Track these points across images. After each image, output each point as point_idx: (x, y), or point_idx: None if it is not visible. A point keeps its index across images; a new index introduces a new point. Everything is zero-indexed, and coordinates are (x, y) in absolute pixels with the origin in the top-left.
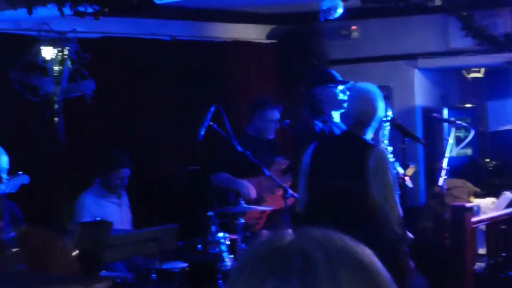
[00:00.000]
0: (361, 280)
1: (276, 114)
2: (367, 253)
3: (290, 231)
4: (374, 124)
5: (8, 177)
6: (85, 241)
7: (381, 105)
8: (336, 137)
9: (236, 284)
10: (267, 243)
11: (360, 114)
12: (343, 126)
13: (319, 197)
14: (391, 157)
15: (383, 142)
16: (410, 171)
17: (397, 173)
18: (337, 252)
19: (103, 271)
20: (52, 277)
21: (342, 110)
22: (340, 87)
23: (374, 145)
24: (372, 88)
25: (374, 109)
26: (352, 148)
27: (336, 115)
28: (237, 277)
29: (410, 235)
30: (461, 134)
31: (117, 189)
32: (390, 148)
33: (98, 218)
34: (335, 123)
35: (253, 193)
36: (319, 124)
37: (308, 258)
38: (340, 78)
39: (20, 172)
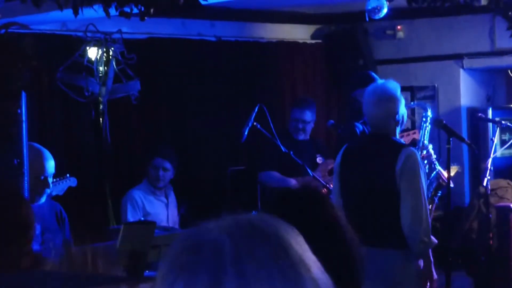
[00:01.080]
0: (267, 265)
1: (302, 114)
2: (280, 235)
3: (209, 223)
4: (395, 123)
5: (55, 180)
6: (129, 241)
7: (395, 102)
8: (365, 138)
9: (157, 280)
10: (185, 237)
11: (375, 119)
12: None
13: (350, 200)
14: (432, 154)
15: (423, 142)
16: (453, 171)
17: (438, 172)
18: (244, 239)
19: (148, 271)
20: (97, 278)
21: None
22: None
23: (402, 146)
24: (383, 87)
25: (387, 110)
26: (379, 149)
27: None
28: (158, 272)
29: (434, 239)
30: (506, 137)
31: (157, 183)
32: (430, 146)
33: (142, 218)
34: None
35: None
36: (359, 126)
37: (217, 250)
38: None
39: (67, 175)
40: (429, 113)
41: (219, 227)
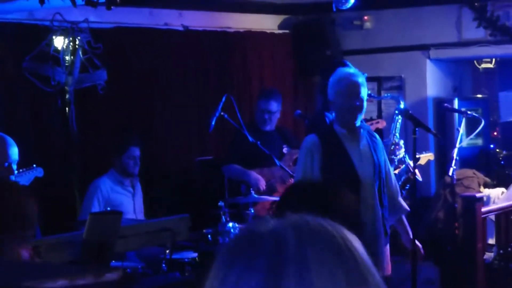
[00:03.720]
0: (332, 262)
1: (267, 104)
2: (345, 237)
3: (269, 218)
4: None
5: (21, 170)
6: (96, 231)
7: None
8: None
9: (214, 269)
10: (244, 230)
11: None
12: None
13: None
14: (402, 152)
15: (395, 135)
16: (425, 159)
17: (408, 165)
18: (309, 234)
19: (114, 261)
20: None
21: None
22: None
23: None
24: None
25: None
26: None
27: None
28: (215, 263)
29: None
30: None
31: (131, 170)
32: (402, 141)
33: (108, 208)
34: None
35: (262, 184)
36: (329, 116)
37: (279, 240)
38: None
39: (34, 165)
40: (402, 105)
41: (284, 221)
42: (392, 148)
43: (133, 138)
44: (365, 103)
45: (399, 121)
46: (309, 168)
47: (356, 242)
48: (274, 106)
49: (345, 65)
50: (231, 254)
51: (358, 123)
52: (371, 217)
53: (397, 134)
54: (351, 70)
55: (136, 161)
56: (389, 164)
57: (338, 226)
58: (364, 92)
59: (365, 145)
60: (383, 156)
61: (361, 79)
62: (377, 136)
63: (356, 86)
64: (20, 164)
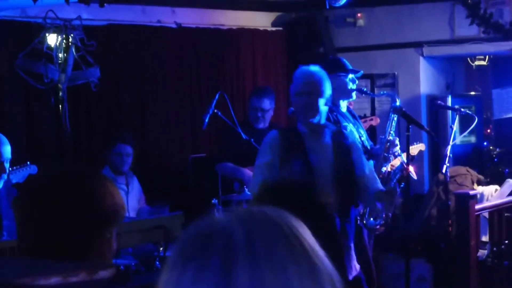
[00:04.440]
0: (280, 253)
1: (260, 102)
2: (291, 224)
3: (217, 213)
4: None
5: (15, 168)
6: None
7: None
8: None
9: (164, 271)
10: (197, 225)
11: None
12: (349, 115)
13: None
14: (398, 149)
15: (390, 133)
16: (416, 149)
17: (403, 163)
18: (256, 227)
19: None
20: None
21: (351, 99)
22: (350, 76)
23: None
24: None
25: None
26: None
27: (343, 104)
28: (168, 259)
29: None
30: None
31: (119, 167)
32: (397, 140)
33: None
34: (341, 113)
35: None
36: None
37: (228, 238)
38: (350, 67)
39: (27, 163)
40: (398, 103)
41: (231, 217)
42: (387, 145)
43: (123, 135)
44: (321, 101)
45: (395, 119)
46: (268, 162)
47: (302, 228)
48: (267, 103)
49: (340, 61)
50: (183, 257)
51: (316, 120)
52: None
53: (393, 132)
54: (312, 68)
55: (123, 159)
56: (363, 160)
57: (284, 214)
58: (319, 90)
59: (327, 142)
60: (354, 154)
61: (317, 77)
62: (349, 136)
63: (307, 85)
64: (13, 162)
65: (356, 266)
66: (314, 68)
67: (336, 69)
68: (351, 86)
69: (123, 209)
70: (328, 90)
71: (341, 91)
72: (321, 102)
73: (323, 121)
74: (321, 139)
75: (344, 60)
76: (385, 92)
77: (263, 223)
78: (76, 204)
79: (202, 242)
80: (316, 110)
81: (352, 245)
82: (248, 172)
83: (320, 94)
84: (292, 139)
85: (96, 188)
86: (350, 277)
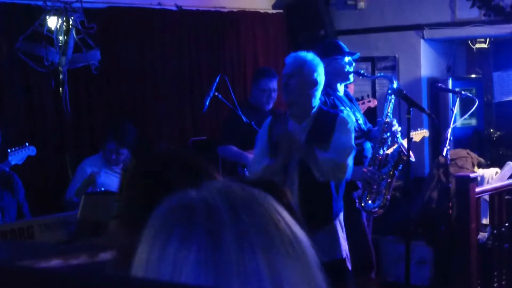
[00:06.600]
0: (262, 220)
1: (269, 84)
2: (267, 200)
3: (193, 187)
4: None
5: (14, 149)
6: (90, 211)
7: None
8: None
9: (145, 242)
10: (172, 200)
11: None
12: (346, 99)
13: None
14: (396, 126)
15: (387, 115)
16: (419, 136)
17: (400, 146)
18: (236, 198)
19: None
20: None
21: (348, 82)
22: (347, 59)
23: None
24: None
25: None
26: None
27: (341, 88)
28: (145, 234)
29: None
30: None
31: (109, 162)
32: (395, 120)
33: (102, 189)
34: (338, 96)
35: None
36: (321, 98)
37: (210, 207)
38: (347, 50)
39: (26, 144)
40: (395, 85)
41: (208, 189)
42: (385, 127)
43: (117, 132)
44: (301, 84)
45: (392, 100)
46: (261, 143)
47: (276, 204)
48: (276, 85)
49: (336, 44)
50: (164, 228)
51: (292, 111)
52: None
53: (390, 114)
54: (300, 53)
55: (113, 156)
56: (345, 145)
57: (257, 190)
58: (300, 73)
59: (305, 129)
60: (329, 143)
61: (299, 61)
62: (335, 124)
63: (287, 67)
64: (13, 144)
65: (343, 247)
66: (302, 53)
67: (332, 52)
68: (348, 68)
69: None
70: (315, 74)
71: (338, 74)
72: (299, 83)
73: (315, 102)
74: (302, 123)
75: (341, 42)
76: (382, 74)
77: (244, 197)
78: (179, 185)
79: (184, 211)
80: (291, 92)
81: (336, 224)
82: (250, 156)
83: (299, 76)
84: (279, 122)
85: (201, 171)
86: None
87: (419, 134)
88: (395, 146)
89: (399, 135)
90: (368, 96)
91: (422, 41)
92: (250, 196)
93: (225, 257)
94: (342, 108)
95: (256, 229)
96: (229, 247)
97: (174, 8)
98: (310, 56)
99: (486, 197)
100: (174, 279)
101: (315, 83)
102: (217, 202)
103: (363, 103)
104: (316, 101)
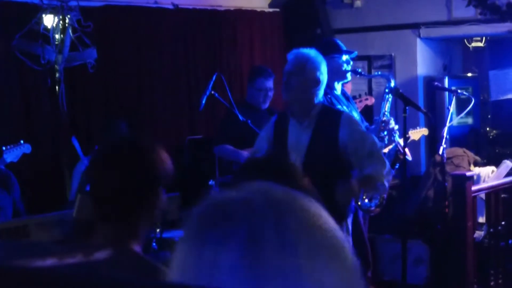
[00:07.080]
0: (305, 222)
1: (265, 83)
2: (308, 201)
3: (233, 188)
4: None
5: (9, 146)
6: (86, 210)
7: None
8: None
9: (185, 241)
10: (209, 202)
11: None
12: (343, 98)
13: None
14: (393, 124)
15: (384, 113)
16: (418, 134)
17: (397, 144)
18: (279, 199)
19: None
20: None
21: (345, 81)
22: (345, 57)
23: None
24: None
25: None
26: None
27: (338, 87)
28: (185, 235)
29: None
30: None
31: None
32: (392, 119)
33: None
34: (335, 95)
35: None
36: None
37: (252, 206)
38: (344, 48)
39: (21, 141)
40: (392, 83)
41: (248, 188)
42: (382, 126)
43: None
44: (300, 81)
45: (390, 99)
46: (261, 139)
47: (320, 208)
48: (272, 83)
49: (334, 43)
50: (203, 228)
51: (292, 110)
52: None
53: (387, 113)
54: (302, 50)
55: None
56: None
57: (301, 195)
58: (302, 71)
59: (307, 127)
60: (341, 131)
61: (302, 58)
62: (339, 124)
63: (288, 65)
64: (9, 142)
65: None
66: (305, 50)
67: (330, 51)
68: (346, 67)
69: (171, 174)
70: (318, 73)
71: (335, 73)
72: (301, 81)
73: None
74: (304, 123)
75: (338, 41)
76: (379, 72)
77: (285, 197)
78: (134, 164)
79: (223, 211)
80: (292, 90)
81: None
82: (246, 154)
83: (301, 74)
84: (282, 121)
85: (151, 154)
86: None
87: (418, 133)
88: (392, 145)
89: (396, 134)
90: (365, 94)
91: (418, 39)
92: (292, 198)
93: (266, 258)
94: (339, 107)
95: (298, 231)
96: (270, 248)
97: (171, 7)
98: (313, 53)
99: (483, 195)
100: (213, 278)
101: (317, 82)
102: (259, 202)
103: (360, 101)
104: (318, 100)
